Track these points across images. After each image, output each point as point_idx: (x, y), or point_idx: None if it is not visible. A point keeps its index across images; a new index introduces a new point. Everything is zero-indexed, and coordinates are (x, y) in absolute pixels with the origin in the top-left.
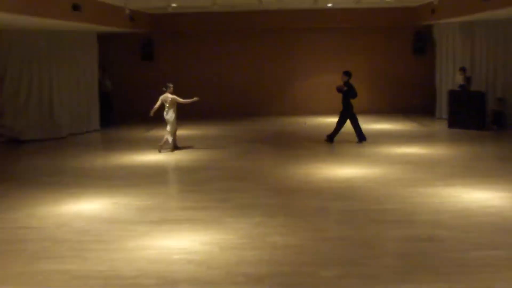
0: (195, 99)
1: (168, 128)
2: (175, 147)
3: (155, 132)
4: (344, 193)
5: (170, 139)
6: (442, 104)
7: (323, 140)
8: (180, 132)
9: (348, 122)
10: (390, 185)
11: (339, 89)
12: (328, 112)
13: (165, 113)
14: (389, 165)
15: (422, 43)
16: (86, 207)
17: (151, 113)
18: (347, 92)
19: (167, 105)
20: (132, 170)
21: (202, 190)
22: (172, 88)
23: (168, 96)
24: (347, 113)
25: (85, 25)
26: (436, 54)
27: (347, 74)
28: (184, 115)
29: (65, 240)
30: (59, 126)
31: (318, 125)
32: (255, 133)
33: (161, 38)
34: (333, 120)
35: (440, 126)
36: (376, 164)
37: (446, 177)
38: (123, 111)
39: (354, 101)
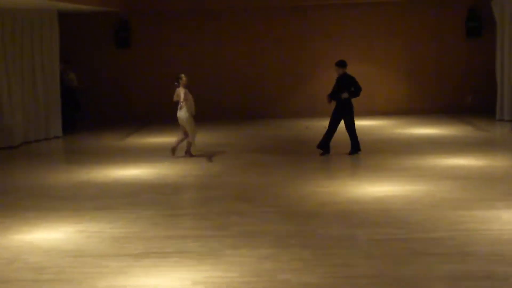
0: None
1: (187, 129)
2: (181, 152)
3: (136, 139)
4: (376, 217)
5: (193, 141)
6: (504, 102)
7: (347, 152)
8: (163, 139)
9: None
10: (437, 207)
11: (340, 97)
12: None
13: (178, 110)
14: (435, 181)
15: (477, 22)
16: (44, 237)
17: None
18: (353, 92)
19: (181, 101)
20: (105, 188)
21: (195, 213)
22: (185, 79)
23: (180, 90)
24: (348, 115)
25: None
26: (496, 37)
27: (342, 64)
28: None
29: (17, 280)
30: (9, 133)
31: (341, 130)
32: (259, 139)
33: (140, 19)
34: (361, 123)
35: (501, 131)
36: (418, 180)
37: (509, 197)
38: (93, 112)
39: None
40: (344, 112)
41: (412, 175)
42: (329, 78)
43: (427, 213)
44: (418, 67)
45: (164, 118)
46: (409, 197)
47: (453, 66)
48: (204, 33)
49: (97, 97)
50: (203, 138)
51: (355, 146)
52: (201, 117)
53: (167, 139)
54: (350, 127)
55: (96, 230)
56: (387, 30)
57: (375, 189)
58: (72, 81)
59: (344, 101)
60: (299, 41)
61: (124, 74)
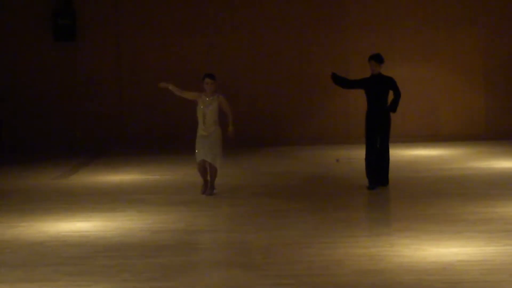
0: None
1: (210, 153)
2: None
3: (86, 175)
4: None
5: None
6: None
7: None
8: (127, 176)
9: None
10: None
11: (392, 107)
12: (406, 136)
13: (203, 126)
14: None
15: None
16: None
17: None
18: (394, 102)
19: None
20: (38, 252)
21: None
22: (211, 82)
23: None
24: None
25: None
26: None
27: (380, 59)
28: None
29: None
30: None
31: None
32: (267, 176)
33: (89, 2)
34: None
35: None
36: (504, 238)
37: None
38: (18, 135)
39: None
40: (383, 127)
41: (496, 230)
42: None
43: None
44: (505, 72)
45: (128, 144)
46: (491, 263)
47: None
48: (182, 20)
49: (23, 113)
50: (189, 173)
51: (384, 177)
52: (181, 141)
53: (135, 175)
54: (386, 144)
55: None
56: (458, 17)
57: (439, 251)
58: None
59: (385, 110)
60: (320, 36)
61: (66, 79)
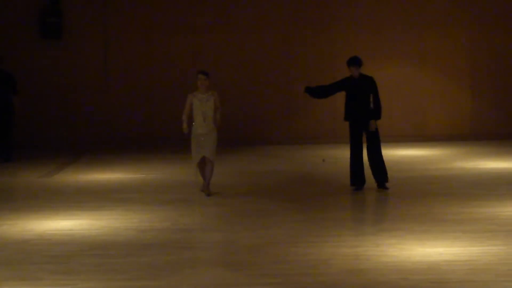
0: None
1: (208, 149)
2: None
3: (71, 174)
4: None
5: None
6: None
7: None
8: (112, 175)
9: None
10: None
11: (376, 115)
12: (392, 136)
13: (203, 124)
14: None
15: None
16: None
17: None
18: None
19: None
20: (23, 250)
21: None
22: (204, 78)
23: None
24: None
25: None
26: None
27: (358, 62)
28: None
29: None
30: None
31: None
32: (254, 176)
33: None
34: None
35: None
36: (489, 238)
37: None
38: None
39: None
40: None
41: (481, 230)
42: None
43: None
44: (491, 72)
45: (114, 143)
46: (476, 263)
47: None
48: (174, 20)
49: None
50: (175, 173)
51: (383, 175)
52: (170, 142)
53: (121, 174)
54: (378, 151)
55: None
56: (444, 17)
57: (424, 250)
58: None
59: (369, 112)
60: (308, 36)
61: (52, 78)
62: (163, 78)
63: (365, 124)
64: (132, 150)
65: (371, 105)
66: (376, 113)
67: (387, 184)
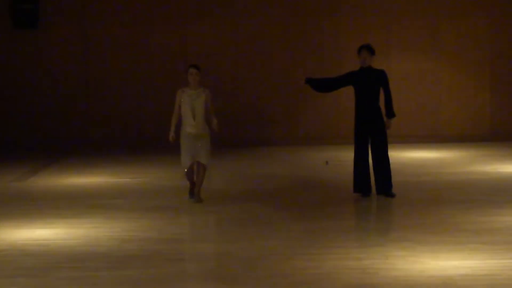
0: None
1: (202, 153)
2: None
3: (47, 177)
4: None
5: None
6: None
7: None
8: (92, 179)
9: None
10: None
11: (389, 113)
12: (401, 136)
13: (193, 122)
14: None
15: None
16: None
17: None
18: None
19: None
20: None
21: None
22: (195, 73)
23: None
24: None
25: None
26: None
27: (371, 49)
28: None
29: None
30: None
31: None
32: (250, 180)
33: None
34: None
35: None
36: (510, 250)
37: None
38: None
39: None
40: (376, 128)
41: (501, 241)
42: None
43: None
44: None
45: (95, 144)
46: (496, 278)
47: None
48: (166, 14)
49: None
50: (160, 177)
51: (387, 181)
52: (155, 144)
53: (102, 178)
54: (383, 150)
55: None
56: (461, 6)
57: (438, 264)
58: None
59: (376, 109)
60: (314, 22)
61: (27, 72)
62: (149, 71)
63: (372, 123)
64: (115, 151)
65: (382, 101)
66: (390, 110)
67: (392, 191)
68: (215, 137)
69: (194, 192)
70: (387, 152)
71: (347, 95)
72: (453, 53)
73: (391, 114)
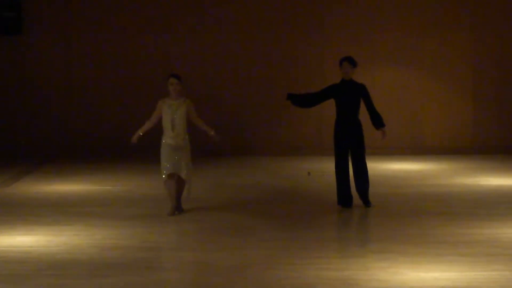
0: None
1: (183, 168)
2: (178, 207)
3: (29, 184)
4: None
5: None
6: None
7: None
8: (75, 186)
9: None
10: None
11: (379, 124)
12: (385, 148)
13: (172, 134)
14: None
15: None
16: None
17: None
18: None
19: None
20: None
21: None
22: (176, 83)
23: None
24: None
25: None
26: None
27: (353, 61)
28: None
29: None
30: None
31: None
32: (232, 189)
33: None
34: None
35: None
36: (493, 262)
37: None
38: None
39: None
40: (355, 140)
41: (481, 253)
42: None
43: None
44: (495, 80)
45: (77, 150)
46: None
47: None
48: (151, 22)
49: None
50: (141, 185)
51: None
52: (138, 151)
53: (83, 185)
54: (362, 162)
55: None
56: (444, 19)
57: (418, 275)
58: None
59: (356, 122)
60: (298, 32)
61: (9, 77)
62: (132, 80)
63: (351, 136)
64: (97, 159)
65: (363, 114)
66: (377, 121)
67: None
68: (196, 147)
69: (174, 209)
70: (365, 159)
71: (329, 105)
72: (436, 65)
73: (380, 124)
